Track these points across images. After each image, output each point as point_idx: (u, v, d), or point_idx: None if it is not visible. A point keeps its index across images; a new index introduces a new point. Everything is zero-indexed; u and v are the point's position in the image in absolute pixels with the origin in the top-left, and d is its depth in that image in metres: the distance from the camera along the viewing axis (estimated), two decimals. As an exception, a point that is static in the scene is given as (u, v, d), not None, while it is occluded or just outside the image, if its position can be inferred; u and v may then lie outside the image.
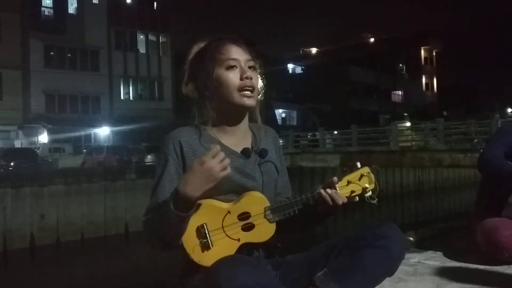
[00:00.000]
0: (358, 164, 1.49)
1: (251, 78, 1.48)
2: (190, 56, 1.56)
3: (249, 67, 1.50)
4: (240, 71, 1.48)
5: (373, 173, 1.49)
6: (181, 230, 1.37)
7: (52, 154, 23.08)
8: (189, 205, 1.31)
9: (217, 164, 1.30)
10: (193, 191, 1.29)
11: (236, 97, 1.47)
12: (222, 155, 1.32)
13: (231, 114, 1.51)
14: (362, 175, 1.48)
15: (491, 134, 14.05)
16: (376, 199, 1.47)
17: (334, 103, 41.35)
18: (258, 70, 1.53)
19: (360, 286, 1.36)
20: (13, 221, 15.30)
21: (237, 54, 1.49)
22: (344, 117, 35.87)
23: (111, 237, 16.84)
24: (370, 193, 1.47)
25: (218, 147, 1.33)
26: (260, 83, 1.54)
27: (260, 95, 1.54)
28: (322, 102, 41.02)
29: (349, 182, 1.47)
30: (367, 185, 1.47)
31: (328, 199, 1.43)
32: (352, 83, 43.84)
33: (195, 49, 1.56)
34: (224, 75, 1.47)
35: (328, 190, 1.44)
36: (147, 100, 32.19)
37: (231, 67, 1.48)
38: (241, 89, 1.47)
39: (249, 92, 1.48)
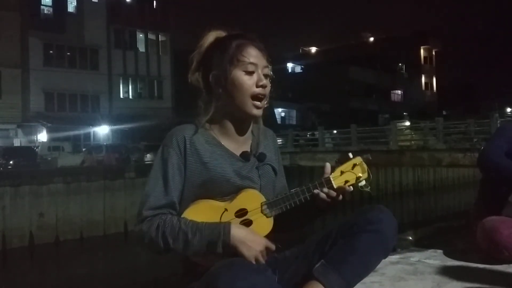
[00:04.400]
0: (350, 155, 1.51)
1: (265, 87, 1.46)
2: (204, 44, 1.51)
3: (265, 75, 1.47)
4: (257, 77, 1.46)
5: (365, 162, 1.51)
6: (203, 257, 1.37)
7: (51, 152, 23.05)
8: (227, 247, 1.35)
9: (264, 250, 1.38)
10: (237, 243, 1.34)
11: (248, 104, 1.45)
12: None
13: (237, 118, 1.49)
14: (355, 165, 1.50)
15: (490, 133, 14.06)
16: (369, 187, 1.49)
17: (334, 102, 41.33)
18: (270, 78, 1.50)
19: (358, 271, 1.39)
20: (12, 219, 15.31)
21: (257, 59, 1.46)
22: (343, 117, 35.86)
23: (110, 236, 16.84)
24: (363, 182, 1.50)
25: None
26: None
27: (267, 102, 1.51)
28: (321, 101, 41.01)
29: (342, 172, 1.49)
30: (360, 174, 1.49)
31: (323, 196, 1.45)
32: (352, 82, 43.79)
33: (211, 38, 1.52)
34: (241, 79, 1.44)
35: (317, 190, 1.46)
36: (147, 99, 32.20)
37: (249, 72, 1.45)
38: (254, 96, 1.45)
39: (259, 103, 1.46)
